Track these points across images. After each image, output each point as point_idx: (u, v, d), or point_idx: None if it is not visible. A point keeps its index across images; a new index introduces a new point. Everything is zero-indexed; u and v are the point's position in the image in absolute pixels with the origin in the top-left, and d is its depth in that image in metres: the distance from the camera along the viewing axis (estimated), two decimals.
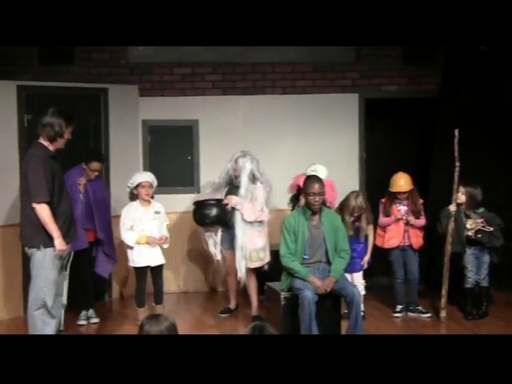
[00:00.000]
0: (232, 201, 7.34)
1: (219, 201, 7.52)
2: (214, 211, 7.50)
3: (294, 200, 7.63)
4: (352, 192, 7.46)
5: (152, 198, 7.22)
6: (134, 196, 7.20)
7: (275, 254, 6.82)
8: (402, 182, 7.56)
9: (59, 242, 5.96)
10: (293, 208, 7.60)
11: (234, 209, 7.35)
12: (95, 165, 7.43)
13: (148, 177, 7.21)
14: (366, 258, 7.52)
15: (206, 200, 7.67)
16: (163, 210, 7.31)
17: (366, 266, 7.53)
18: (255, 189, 7.39)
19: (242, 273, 7.44)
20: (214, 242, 7.72)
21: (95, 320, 7.70)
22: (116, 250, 7.86)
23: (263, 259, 7.51)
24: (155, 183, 7.22)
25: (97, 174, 7.51)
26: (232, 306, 7.92)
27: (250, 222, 7.39)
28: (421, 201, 7.71)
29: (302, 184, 7.16)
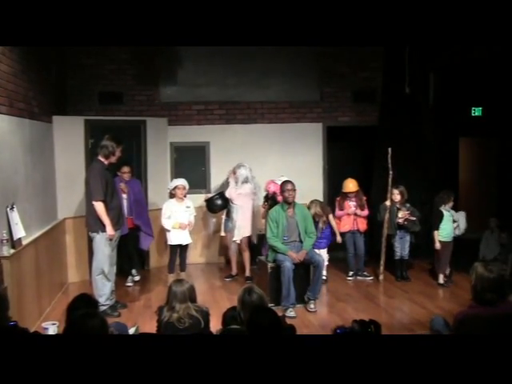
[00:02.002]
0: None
1: (221, 193, 7.78)
2: (218, 201, 7.74)
3: (265, 199, 7.70)
4: (311, 201, 7.43)
5: (185, 196, 7.25)
6: (172, 195, 7.24)
7: (263, 236, 6.84)
8: (350, 185, 7.62)
9: (109, 230, 6.06)
10: (265, 204, 7.68)
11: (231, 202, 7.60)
12: (125, 168, 7.41)
13: (183, 182, 7.24)
14: (338, 237, 7.60)
15: (212, 196, 7.84)
16: (192, 205, 7.33)
17: (339, 241, 7.61)
18: (243, 185, 7.57)
19: (236, 242, 7.65)
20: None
21: (137, 278, 7.74)
22: (152, 229, 7.86)
23: (250, 231, 7.64)
24: (187, 186, 7.26)
25: (129, 174, 7.47)
26: (233, 272, 7.89)
27: (242, 211, 7.51)
28: (364, 198, 7.77)
29: (270, 189, 7.56)
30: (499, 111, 9.11)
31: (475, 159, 10.83)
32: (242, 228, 7.59)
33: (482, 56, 7.85)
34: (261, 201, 7.81)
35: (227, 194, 7.63)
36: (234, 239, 7.64)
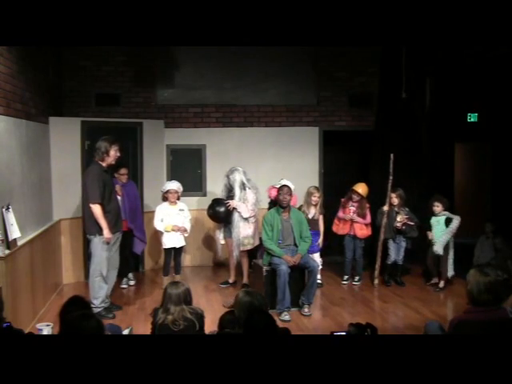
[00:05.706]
0: (233, 204, 7.24)
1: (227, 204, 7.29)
2: (223, 209, 7.28)
3: (269, 204, 7.56)
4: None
5: (178, 199, 7.17)
6: (165, 198, 7.17)
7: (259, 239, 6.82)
8: (360, 190, 7.54)
9: (106, 233, 6.04)
10: (269, 209, 7.35)
11: (234, 209, 7.23)
12: (123, 170, 7.37)
13: (175, 185, 7.12)
14: (320, 240, 7.47)
15: (221, 199, 7.43)
16: (186, 208, 7.24)
17: (320, 246, 7.47)
18: (245, 194, 7.27)
19: (237, 254, 7.37)
20: (219, 233, 7.65)
21: (133, 282, 7.70)
22: (146, 235, 7.81)
23: (253, 244, 7.40)
24: (181, 189, 7.15)
25: (126, 177, 7.43)
26: (231, 280, 7.69)
27: (245, 218, 7.28)
28: (367, 205, 7.65)
29: (271, 194, 7.41)
30: (494, 116, 9.14)
31: (470, 164, 10.86)
32: (245, 239, 7.36)
33: (478, 62, 7.89)
34: (264, 205, 7.66)
35: (247, 215, 7.24)
36: (235, 252, 7.41)
